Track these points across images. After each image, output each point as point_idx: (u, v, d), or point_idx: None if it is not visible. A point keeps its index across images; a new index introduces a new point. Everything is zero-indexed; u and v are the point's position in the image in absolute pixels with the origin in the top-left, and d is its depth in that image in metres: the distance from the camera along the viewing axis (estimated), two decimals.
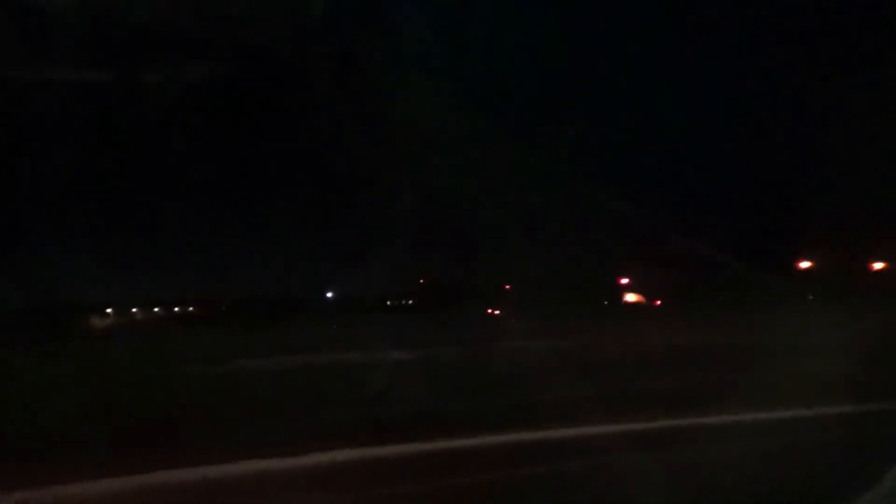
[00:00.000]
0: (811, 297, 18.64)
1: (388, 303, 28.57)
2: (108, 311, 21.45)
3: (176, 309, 23.86)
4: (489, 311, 24.93)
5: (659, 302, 23.45)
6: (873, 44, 14.02)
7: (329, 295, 29.70)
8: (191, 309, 24.11)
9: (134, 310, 22.63)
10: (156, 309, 23.31)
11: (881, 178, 12.60)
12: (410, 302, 28.80)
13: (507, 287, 24.45)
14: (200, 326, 19.65)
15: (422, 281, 28.36)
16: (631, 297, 23.59)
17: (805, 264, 19.35)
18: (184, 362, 8.70)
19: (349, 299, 29.34)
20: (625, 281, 23.32)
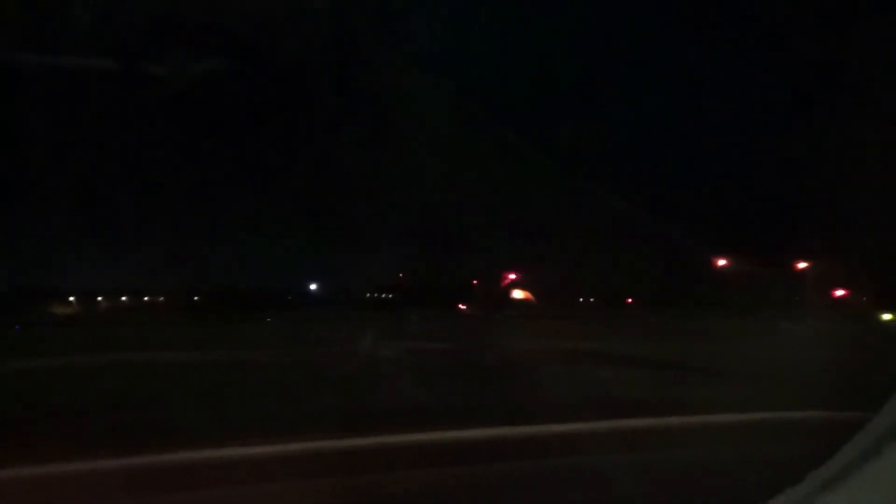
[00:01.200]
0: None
1: (368, 295, 28.35)
2: (71, 298, 21.63)
3: (145, 298, 23.95)
4: (460, 306, 24.50)
5: (630, 300, 22.63)
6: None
7: (312, 287, 29.72)
8: (161, 299, 24.13)
9: (99, 298, 22.78)
10: (123, 298, 23.44)
11: (811, 171, 11.71)
12: (391, 296, 28.48)
13: (475, 282, 23.92)
14: (153, 317, 19.65)
15: (401, 275, 28.06)
16: (518, 294, 22.71)
17: (721, 262, 18.14)
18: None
19: (331, 293, 29.33)
20: (512, 276, 22.44)
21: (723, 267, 18.13)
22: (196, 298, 26.44)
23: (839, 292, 17.11)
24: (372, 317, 17.64)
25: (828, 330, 12.92)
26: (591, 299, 26.12)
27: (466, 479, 2.33)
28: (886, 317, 16.82)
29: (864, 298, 16.70)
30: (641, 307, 20.80)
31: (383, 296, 28.40)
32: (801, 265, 17.52)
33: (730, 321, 13.65)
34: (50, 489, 2.04)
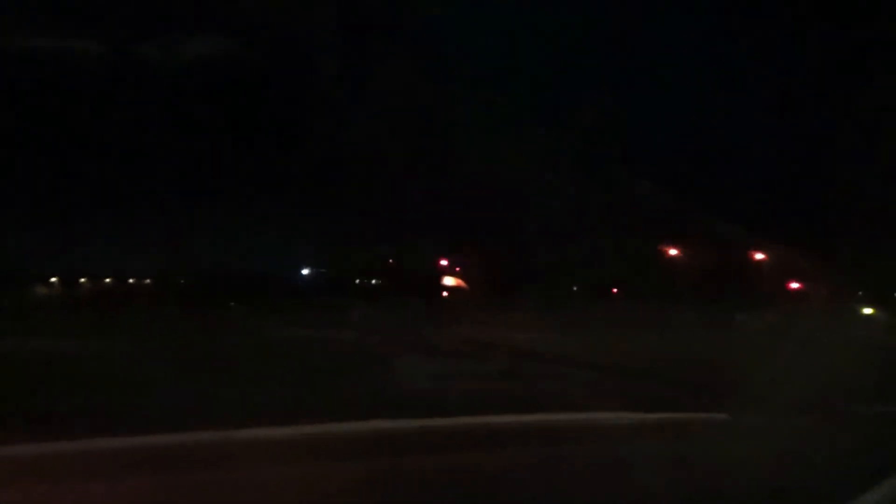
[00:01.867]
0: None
1: (357, 281, 28.26)
2: (53, 279, 21.75)
3: (130, 280, 24.03)
4: (443, 294, 24.32)
5: (616, 290, 22.14)
6: None
7: (305, 272, 29.69)
8: (147, 282, 24.22)
9: (82, 280, 22.91)
10: (107, 280, 23.55)
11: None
12: (380, 282, 28.35)
13: (458, 269, 23.70)
14: (125, 300, 19.71)
15: (391, 261, 27.84)
16: (449, 282, 22.33)
17: (673, 252, 17.37)
18: None
19: (322, 278, 29.24)
20: (444, 263, 22.01)
21: (680, 256, 17.51)
22: (182, 282, 26.61)
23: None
24: (334, 304, 17.52)
25: (807, 325, 12.44)
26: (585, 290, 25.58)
27: (469, 466, 2.35)
28: (867, 311, 16.26)
29: (844, 291, 16.12)
30: (625, 298, 20.41)
31: (372, 282, 28.30)
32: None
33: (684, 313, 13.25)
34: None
